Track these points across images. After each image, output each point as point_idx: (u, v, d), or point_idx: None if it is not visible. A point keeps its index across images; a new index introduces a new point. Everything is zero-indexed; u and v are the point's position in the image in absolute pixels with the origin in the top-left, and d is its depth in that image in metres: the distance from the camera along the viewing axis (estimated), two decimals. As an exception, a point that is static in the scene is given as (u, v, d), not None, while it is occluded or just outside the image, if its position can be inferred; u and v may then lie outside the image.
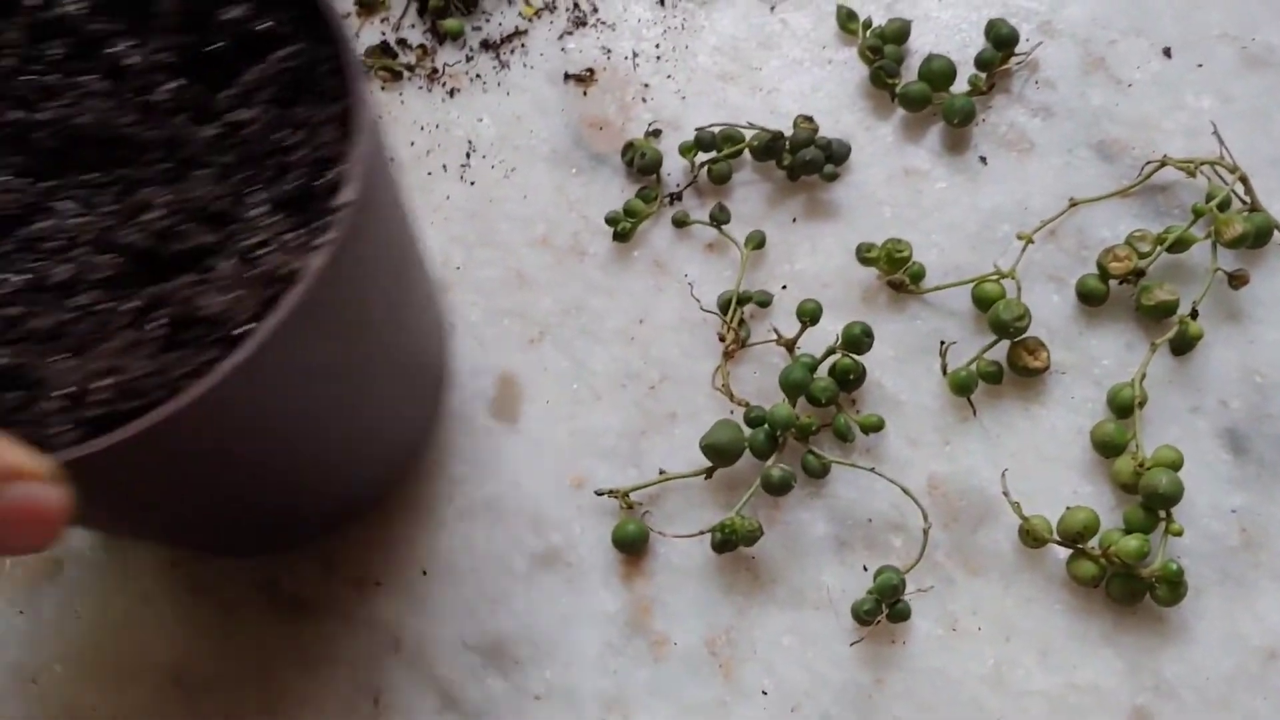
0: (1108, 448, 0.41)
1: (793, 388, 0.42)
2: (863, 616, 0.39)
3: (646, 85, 0.49)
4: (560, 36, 0.50)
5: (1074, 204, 0.44)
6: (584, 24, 0.50)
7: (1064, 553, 0.40)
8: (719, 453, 0.41)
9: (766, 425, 0.41)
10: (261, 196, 0.30)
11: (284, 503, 0.38)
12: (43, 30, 0.32)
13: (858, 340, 0.42)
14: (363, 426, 0.38)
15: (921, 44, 0.48)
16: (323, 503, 0.40)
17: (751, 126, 0.46)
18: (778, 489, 0.40)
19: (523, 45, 0.50)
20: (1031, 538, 0.40)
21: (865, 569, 0.41)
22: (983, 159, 0.46)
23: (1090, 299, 0.43)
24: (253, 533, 0.40)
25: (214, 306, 0.28)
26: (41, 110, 0.30)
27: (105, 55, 0.31)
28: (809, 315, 0.42)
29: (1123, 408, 0.41)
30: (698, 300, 0.45)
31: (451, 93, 0.49)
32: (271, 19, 0.32)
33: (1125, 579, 0.39)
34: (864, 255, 0.44)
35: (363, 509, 0.43)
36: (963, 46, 0.48)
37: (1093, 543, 0.39)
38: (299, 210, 0.30)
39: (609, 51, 0.49)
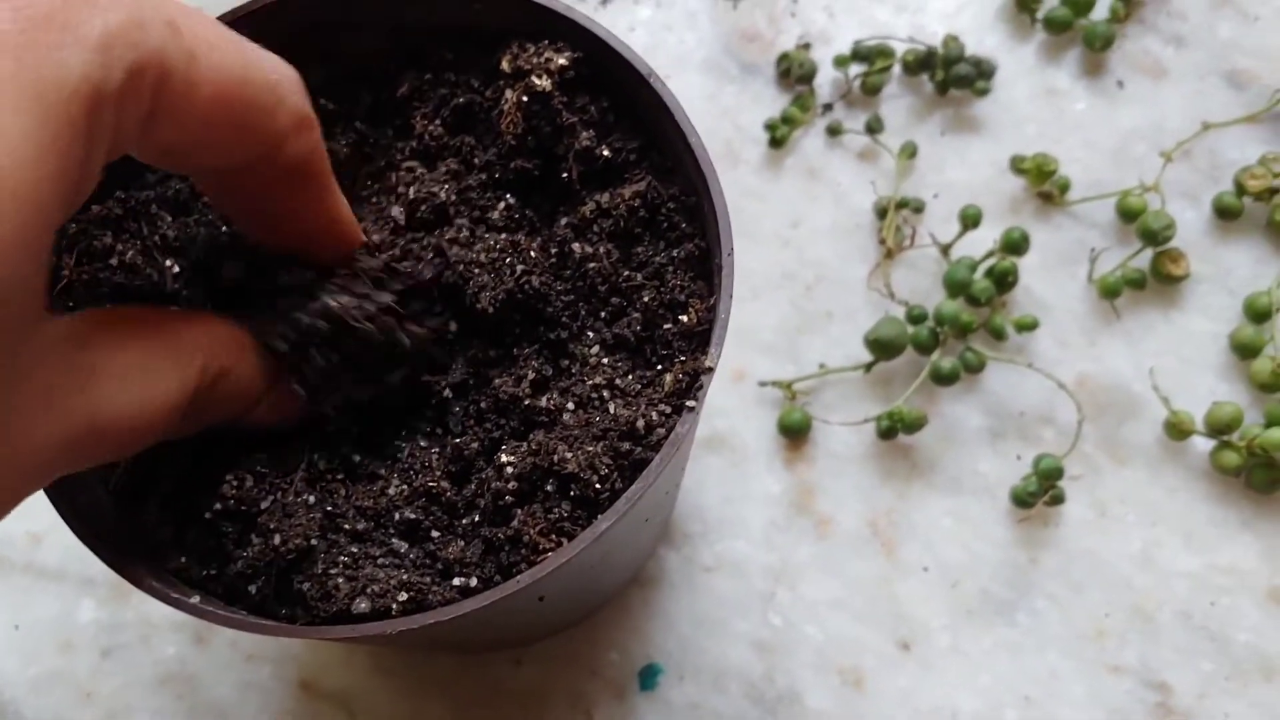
0: (1247, 349, 0.44)
1: (956, 286, 0.44)
2: (1025, 499, 0.42)
3: (795, 0, 0.50)
4: (708, -49, 0.51)
5: (1206, 127, 0.47)
6: (731, -60, 0.51)
7: (1205, 446, 0.43)
8: (884, 347, 0.43)
9: (930, 321, 0.44)
10: (599, 335, 0.29)
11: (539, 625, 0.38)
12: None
13: (1017, 244, 0.44)
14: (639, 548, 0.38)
15: (1056, -27, 0.50)
16: (573, 611, 0.40)
17: (912, 41, 0.48)
18: (947, 379, 0.43)
19: (672, -42, 0.51)
20: (1177, 430, 0.43)
21: (1019, 458, 0.44)
22: (1120, 83, 0.48)
23: (1226, 214, 0.46)
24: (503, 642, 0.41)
25: (571, 464, 0.27)
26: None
27: (449, 161, 0.31)
28: (971, 220, 0.45)
29: (1260, 313, 0.44)
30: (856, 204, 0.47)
31: (604, 2, 0.51)
32: (617, 149, 0.31)
33: (1266, 469, 0.42)
34: (1017, 166, 0.46)
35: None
36: (1097, -24, 0.50)
37: (1235, 435, 0.42)
38: (634, 353, 0.29)
39: (758, -33, 0.51)
